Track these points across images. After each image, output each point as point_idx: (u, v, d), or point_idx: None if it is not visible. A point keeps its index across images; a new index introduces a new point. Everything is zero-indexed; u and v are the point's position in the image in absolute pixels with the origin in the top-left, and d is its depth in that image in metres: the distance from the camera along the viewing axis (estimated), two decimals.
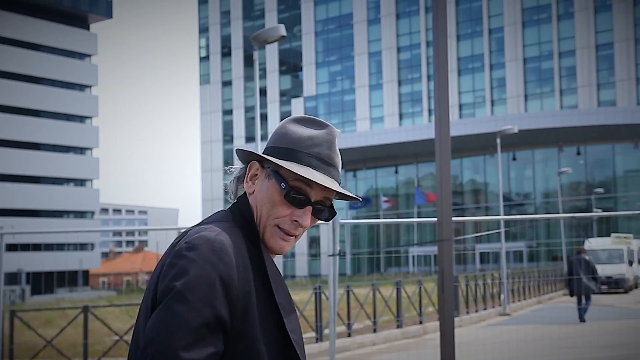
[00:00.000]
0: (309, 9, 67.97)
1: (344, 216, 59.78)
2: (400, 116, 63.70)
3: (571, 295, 19.94)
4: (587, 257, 19.28)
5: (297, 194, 1.77)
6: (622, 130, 50.83)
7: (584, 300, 19.33)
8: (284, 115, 69.27)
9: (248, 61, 71.50)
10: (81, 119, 69.14)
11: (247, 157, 1.87)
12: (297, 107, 68.27)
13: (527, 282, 27.81)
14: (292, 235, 1.80)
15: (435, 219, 5.92)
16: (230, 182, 1.90)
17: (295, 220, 1.77)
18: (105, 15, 70.23)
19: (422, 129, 55.83)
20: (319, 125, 1.85)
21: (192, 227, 1.78)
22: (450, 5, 61.77)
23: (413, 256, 56.55)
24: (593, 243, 31.52)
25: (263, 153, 1.84)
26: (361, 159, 60.45)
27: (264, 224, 1.80)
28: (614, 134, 51.74)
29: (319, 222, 1.85)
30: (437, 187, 6.04)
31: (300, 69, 68.59)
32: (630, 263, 32.85)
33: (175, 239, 1.76)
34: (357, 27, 65.36)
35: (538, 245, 54.43)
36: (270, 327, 1.70)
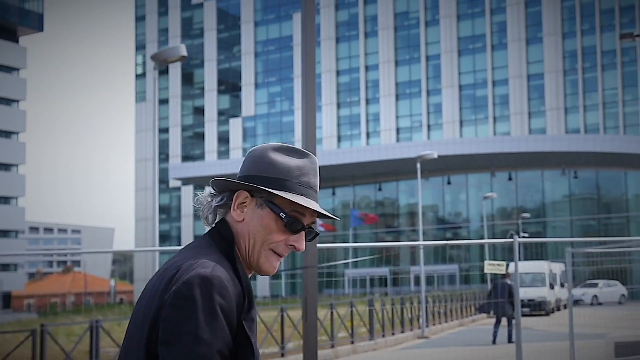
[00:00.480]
0: (249, 29, 68.35)
1: None
2: (339, 138, 64.38)
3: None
4: (508, 282, 19.89)
5: (295, 221, 1.91)
6: (550, 158, 52.48)
7: (505, 323, 20.01)
8: (221, 135, 69.24)
9: (185, 79, 71.34)
10: (7, 134, 67.31)
11: (233, 186, 1.95)
12: (236, 127, 68.33)
13: (448, 305, 28.29)
14: (282, 256, 1.95)
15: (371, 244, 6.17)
16: (204, 208, 1.97)
17: (291, 245, 1.92)
18: (35, 29, 68.74)
19: (359, 151, 56.53)
20: (302, 154, 1.97)
21: (180, 257, 1.88)
22: (389, 32, 63.04)
23: (348, 278, 56.94)
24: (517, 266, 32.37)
25: (249, 182, 1.93)
26: None
27: (259, 249, 1.92)
28: (543, 160, 53.38)
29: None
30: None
31: (239, 89, 68.76)
32: (552, 286, 33.88)
33: (164, 271, 1.86)
34: (297, 49, 66.01)
35: (470, 269, 55.49)
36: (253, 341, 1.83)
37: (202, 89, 69.60)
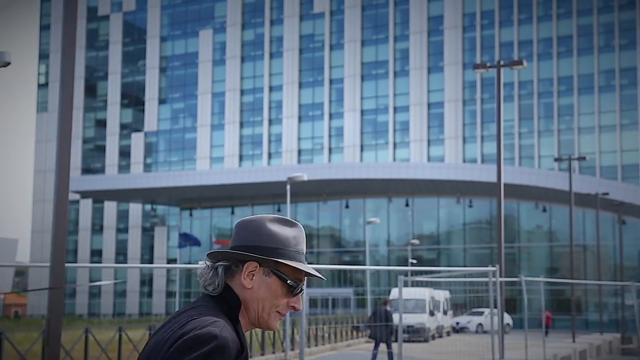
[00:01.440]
0: (154, 44, 67.44)
1: (177, 257, 59.13)
2: (240, 157, 63.96)
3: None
4: (388, 308, 21.12)
5: (298, 286, 2.17)
6: (446, 186, 53.32)
7: (384, 348, 20.74)
8: (123, 149, 67.93)
9: (89, 91, 69.83)
10: None
11: (241, 257, 2.14)
12: (137, 142, 67.13)
13: (323, 327, 28.34)
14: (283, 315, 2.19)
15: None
16: (207, 277, 2.14)
17: (292, 306, 2.17)
18: None
19: (259, 171, 56.20)
20: (293, 224, 2.21)
21: (186, 314, 2.06)
22: (294, 53, 63.14)
23: None
24: (397, 292, 32.61)
25: (256, 253, 2.13)
26: (198, 197, 60.09)
27: (268, 312, 2.15)
28: (439, 188, 54.20)
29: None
30: (52, 234, 6.05)
31: (143, 103, 67.65)
32: (432, 313, 34.16)
33: (170, 325, 2.05)
34: (202, 67, 65.44)
35: (364, 293, 55.70)
36: None
37: (105, 101, 68.22)
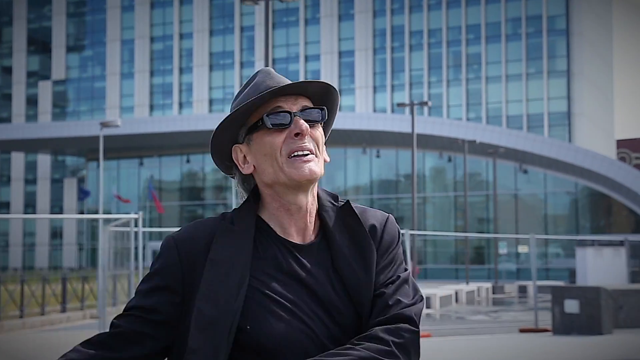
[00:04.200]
0: None
1: (83, 209, 58.19)
2: (151, 107, 62.67)
3: None
4: None
5: (276, 115, 1.68)
6: (352, 136, 52.95)
7: None
8: (30, 98, 65.99)
9: None
10: None
11: (222, 148, 1.77)
12: (45, 90, 65.24)
13: None
14: (305, 154, 1.67)
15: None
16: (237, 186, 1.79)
17: (296, 134, 1.66)
18: None
19: (169, 120, 55.03)
20: (254, 76, 1.77)
21: None
22: (204, 1, 61.65)
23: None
24: None
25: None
26: (105, 148, 58.65)
27: (279, 169, 1.67)
28: (346, 139, 53.82)
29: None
30: None
31: (50, 51, 65.58)
32: None
33: None
34: (110, 13, 63.51)
35: None
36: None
37: (11, 48, 65.94)
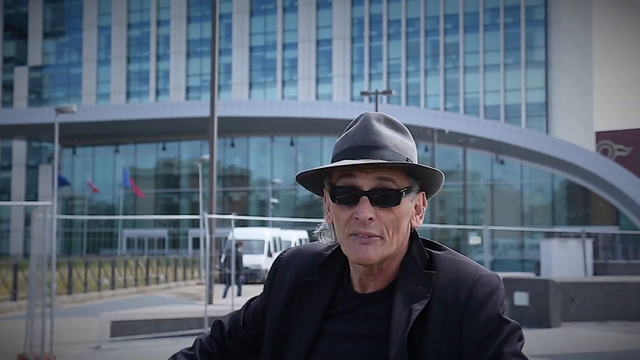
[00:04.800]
0: None
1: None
2: (127, 94, 62.12)
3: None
4: (239, 250, 21.44)
5: (343, 189, 1.56)
6: (328, 125, 52.70)
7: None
8: (6, 83, 65.27)
9: None
10: None
11: (316, 186, 1.69)
12: (21, 76, 64.53)
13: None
14: (365, 237, 1.53)
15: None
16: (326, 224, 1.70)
17: (356, 218, 1.53)
18: None
19: (145, 107, 54.51)
20: (355, 121, 1.63)
21: None
22: None
23: (126, 239, 55.44)
24: (239, 233, 32.20)
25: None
26: (81, 134, 58.17)
27: (342, 241, 1.60)
28: (322, 127, 53.56)
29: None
30: None
31: (27, 36, 64.81)
32: (270, 254, 33.68)
33: None
34: None
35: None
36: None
37: None
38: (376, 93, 31.62)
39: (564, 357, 10.69)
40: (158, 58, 61.38)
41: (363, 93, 34.00)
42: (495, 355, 1.47)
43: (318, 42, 58.81)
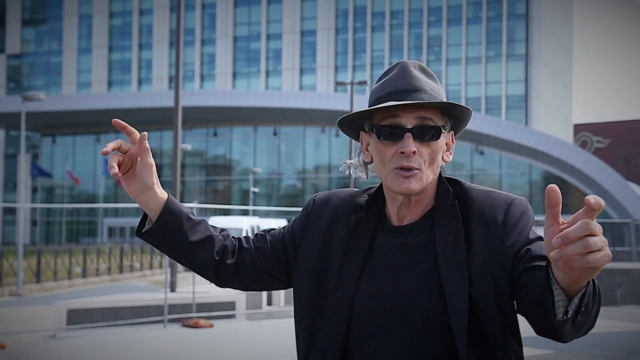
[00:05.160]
0: None
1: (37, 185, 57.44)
2: (109, 83, 61.77)
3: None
4: None
5: (388, 128, 1.74)
6: (311, 115, 52.66)
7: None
8: None
9: None
10: None
11: (352, 127, 1.86)
12: None
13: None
14: (410, 170, 1.73)
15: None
16: (357, 162, 1.89)
17: (402, 152, 1.72)
18: None
19: (126, 97, 54.26)
20: (392, 68, 1.80)
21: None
22: None
23: (107, 227, 55.27)
24: (215, 222, 32.18)
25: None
26: (61, 123, 57.83)
27: (385, 176, 1.77)
28: (305, 118, 53.51)
29: None
30: None
31: (5, 24, 64.25)
32: None
33: None
34: None
35: None
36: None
37: None
38: (352, 83, 31.63)
39: None
40: (140, 47, 61.06)
41: (339, 83, 33.99)
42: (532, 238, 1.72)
43: (302, 33, 58.70)
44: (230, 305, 13.54)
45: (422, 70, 1.79)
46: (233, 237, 1.96)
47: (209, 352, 9.76)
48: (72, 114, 55.43)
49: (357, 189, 1.90)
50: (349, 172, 1.92)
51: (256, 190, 49.00)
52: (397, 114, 1.73)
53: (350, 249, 1.80)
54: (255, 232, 1.99)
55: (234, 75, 59.98)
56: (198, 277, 24.15)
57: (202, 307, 12.95)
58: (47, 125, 58.26)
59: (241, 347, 10.17)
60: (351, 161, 1.91)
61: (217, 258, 1.89)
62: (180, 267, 19.78)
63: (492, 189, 1.83)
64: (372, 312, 1.73)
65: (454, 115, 1.79)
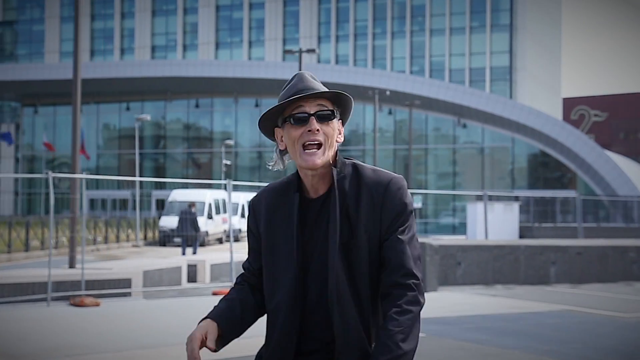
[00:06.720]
0: None
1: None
2: (92, 52, 61.18)
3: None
4: (193, 210, 22.67)
5: (297, 115, 2.25)
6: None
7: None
8: None
9: None
10: None
11: (268, 126, 2.36)
12: None
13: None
14: (313, 146, 2.24)
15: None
16: (276, 157, 2.38)
17: (309, 130, 2.23)
18: None
19: (109, 66, 53.68)
20: (292, 78, 2.32)
21: None
22: None
23: (88, 199, 54.95)
24: (178, 195, 31.98)
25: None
26: (42, 93, 57.38)
27: (296, 156, 2.27)
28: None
29: None
30: None
31: None
32: (210, 216, 32.98)
33: None
34: None
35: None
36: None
37: None
38: (300, 52, 31.18)
39: (426, 322, 10.46)
40: (123, 16, 60.40)
41: (287, 51, 33.59)
42: (401, 227, 2.27)
43: (285, 3, 57.96)
44: (126, 283, 13.02)
45: (314, 78, 2.32)
46: (242, 283, 2.50)
47: (84, 331, 9.30)
48: (53, 83, 54.94)
49: (280, 180, 2.39)
50: (272, 168, 2.40)
51: (228, 162, 48.66)
52: (301, 105, 2.24)
53: (287, 222, 2.31)
54: (241, 273, 2.52)
55: (217, 45, 59.37)
56: (87, 253, 23.81)
57: (94, 284, 12.39)
58: (29, 95, 57.84)
59: (126, 326, 9.68)
60: (273, 162, 2.39)
61: (260, 314, 2.47)
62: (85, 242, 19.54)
63: (379, 168, 2.33)
64: (305, 261, 2.30)
65: (340, 104, 2.31)
